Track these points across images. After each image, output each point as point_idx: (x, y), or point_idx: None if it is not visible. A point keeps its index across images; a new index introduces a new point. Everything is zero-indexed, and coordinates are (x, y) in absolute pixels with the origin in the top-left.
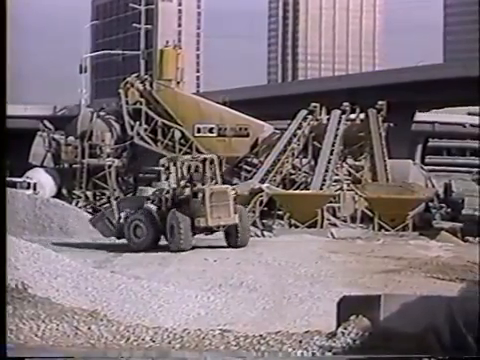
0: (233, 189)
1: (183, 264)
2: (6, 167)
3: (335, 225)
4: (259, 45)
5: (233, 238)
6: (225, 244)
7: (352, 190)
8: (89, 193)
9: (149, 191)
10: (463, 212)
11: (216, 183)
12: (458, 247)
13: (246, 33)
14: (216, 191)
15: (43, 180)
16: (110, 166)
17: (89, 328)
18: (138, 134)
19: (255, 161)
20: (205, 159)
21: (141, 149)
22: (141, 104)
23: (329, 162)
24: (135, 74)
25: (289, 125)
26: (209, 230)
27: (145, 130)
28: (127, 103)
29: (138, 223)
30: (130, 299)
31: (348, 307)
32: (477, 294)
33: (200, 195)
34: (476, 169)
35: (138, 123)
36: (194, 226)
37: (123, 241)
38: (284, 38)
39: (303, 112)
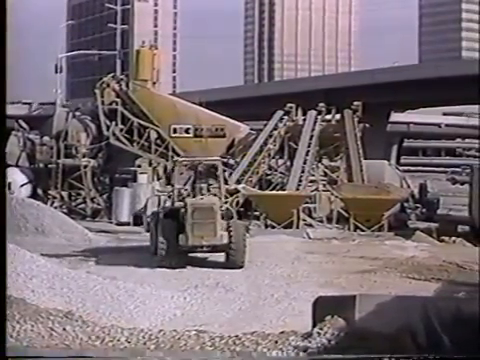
0: (222, 204)
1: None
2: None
3: (311, 226)
4: (235, 46)
5: (226, 259)
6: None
7: (328, 191)
8: (64, 193)
9: (126, 192)
10: (438, 212)
11: (214, 194)
12: (434, 247)
13: (222, 34)
14: (200, 207)
15: (18, 180)
16: (86, 166)
17: (64, 329)
18: (114, 134)
19: (231, 162)
20: (204, 164)
21: (117, 149)
22: (117, 104)
23: (305, 163)
24: (111, 74)
25: (265, 126)
26: (194, 248)
27: (121, 130)
28: (103, 103)
29: (152, 226)
30: (106, 300)
31: (324, 307)
32: (452, 294)
33: (182, 210)
34: (451, 169)
35: (114, 123)
36: (178, 242)
37: (99, 244)
38: (260, 39)
39: (279, 113)
